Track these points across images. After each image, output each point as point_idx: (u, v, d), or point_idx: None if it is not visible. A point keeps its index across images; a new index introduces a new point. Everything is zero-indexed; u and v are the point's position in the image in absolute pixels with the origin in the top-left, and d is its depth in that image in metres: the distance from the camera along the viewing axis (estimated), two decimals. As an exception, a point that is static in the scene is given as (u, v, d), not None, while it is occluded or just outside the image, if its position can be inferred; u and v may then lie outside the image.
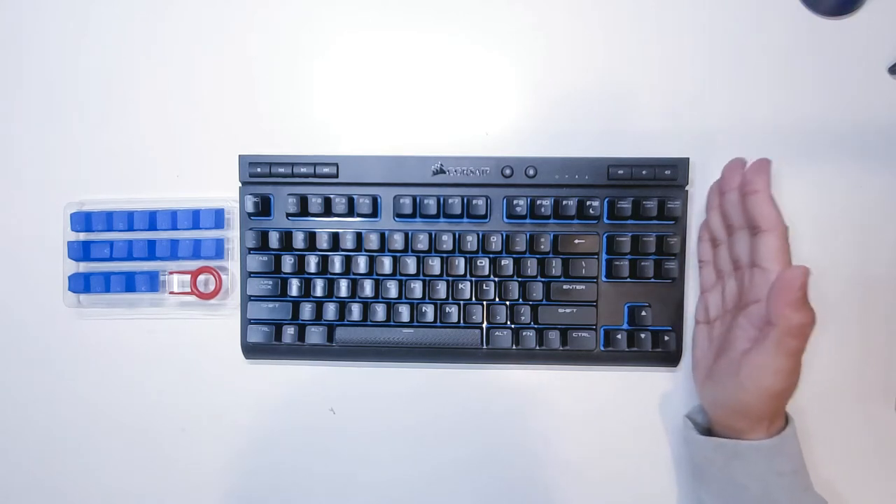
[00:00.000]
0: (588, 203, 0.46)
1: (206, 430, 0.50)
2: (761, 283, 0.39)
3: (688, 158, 0.46)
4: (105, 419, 0.50)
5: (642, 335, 0.46)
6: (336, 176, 0.47)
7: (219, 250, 0.49)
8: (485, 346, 0.47)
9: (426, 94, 0.50)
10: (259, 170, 0.47)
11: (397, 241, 0.47)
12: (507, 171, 0.47)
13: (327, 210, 0.47)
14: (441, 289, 0.47)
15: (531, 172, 0.46)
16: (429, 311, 0.47)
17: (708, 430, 0.44)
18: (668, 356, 0.47)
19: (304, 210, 0.47)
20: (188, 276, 0.49)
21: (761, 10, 0.48)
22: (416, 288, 0.47)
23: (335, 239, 0.48)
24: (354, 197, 0.47)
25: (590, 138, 0.49)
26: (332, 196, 0.47)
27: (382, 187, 0.48)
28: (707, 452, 0.42)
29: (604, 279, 0.47)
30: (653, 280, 0.46)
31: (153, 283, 0.49)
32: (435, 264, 0.47)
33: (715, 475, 0.42)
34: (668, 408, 0.48)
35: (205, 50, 0.50)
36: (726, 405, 0.41)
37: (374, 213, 0.48)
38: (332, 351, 0.48)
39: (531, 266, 0.47)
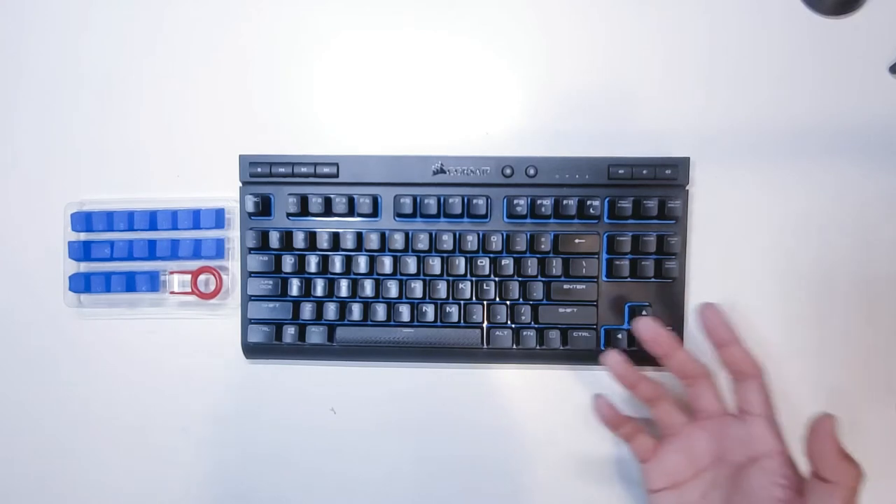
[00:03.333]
0: (588, 203, 0.46)
1: (206, 430, 0.50)
2: (760, 433, 0.39)
3: (688, 158, 0.46)
4: (105, 419, 0.50)
5: (643, 335, 0.46)
6: (336, 176, 0.47)
7: (219, 250, 0.49)
8: (485, 346, 0.47)
9: (426, 94, 0.50)
10: (259, 170, 0.47)
11: (397, 241, 0.47)
12: (508, 171, 0.47)
13: (327, 210, 0.47)
14: (441, 288, 0.47)
15: (531, 172, 0.46)
16: (429, 311, 0.47)
17: None
18: (669, 356, 0.47)
19: (304, 210, 0.47)
20: (188, 276, 0.49)
21: (762, 9, 0.48)
22: (417, 288, 0.47)
23: (335, 239, 0.48)
24: (355, 197, 0.47)
25: (590, 138, 0.49)
26: (332, 196, 0.47)
27: (383, 187, 0.48)
28: None
29: (604, 279, 0.47)
30: (653, 280, 0.46)
31: (154, 283, 0.49)
32: (435, 264, 0.47)
33: None
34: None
35: (205, 49, 0.50)
36: None
37: (375, 212, 0.48)
38: (332, 351, 0.48)
39: (531, 266, 0.47)
